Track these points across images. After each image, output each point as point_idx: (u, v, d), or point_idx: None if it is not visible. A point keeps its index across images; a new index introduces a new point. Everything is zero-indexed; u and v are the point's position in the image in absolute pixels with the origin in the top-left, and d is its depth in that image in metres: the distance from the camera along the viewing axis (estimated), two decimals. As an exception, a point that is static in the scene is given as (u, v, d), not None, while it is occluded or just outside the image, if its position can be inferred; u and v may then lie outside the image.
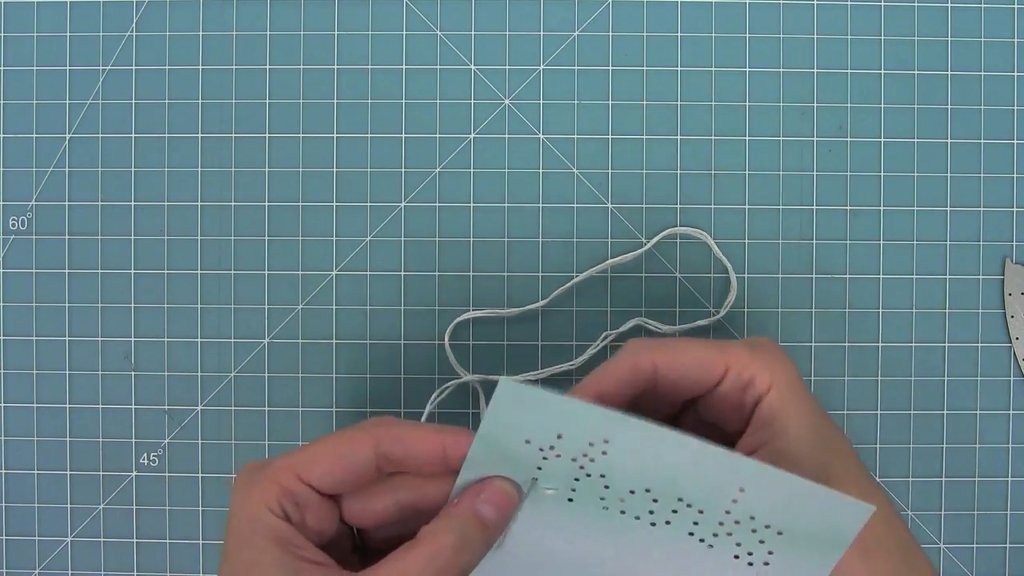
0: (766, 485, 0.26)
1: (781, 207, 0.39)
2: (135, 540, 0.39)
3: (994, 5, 0.39)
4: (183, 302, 0.39)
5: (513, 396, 0.26)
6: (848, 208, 0.39)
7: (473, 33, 0.39)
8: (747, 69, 0.39)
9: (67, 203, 0.39)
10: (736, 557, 0.27)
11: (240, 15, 0.39)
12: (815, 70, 0.39)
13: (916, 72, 0.39)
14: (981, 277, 0.39)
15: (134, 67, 0.39)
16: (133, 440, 0.39)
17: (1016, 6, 0.39)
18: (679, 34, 0.39)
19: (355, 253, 0.39)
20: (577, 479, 0.27)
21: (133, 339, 0.39)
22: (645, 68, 0.39)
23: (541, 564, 0.29)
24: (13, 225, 0.39)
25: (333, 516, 0.28)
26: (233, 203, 0.39)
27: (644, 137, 0.39)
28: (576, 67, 0.39)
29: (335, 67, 0.39)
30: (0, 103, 0.39)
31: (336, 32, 0.39)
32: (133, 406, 0.39)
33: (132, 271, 0.39)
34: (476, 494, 0.27)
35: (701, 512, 0.27)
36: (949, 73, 0.39)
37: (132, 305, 0.39)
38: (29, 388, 0.39)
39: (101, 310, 0.39)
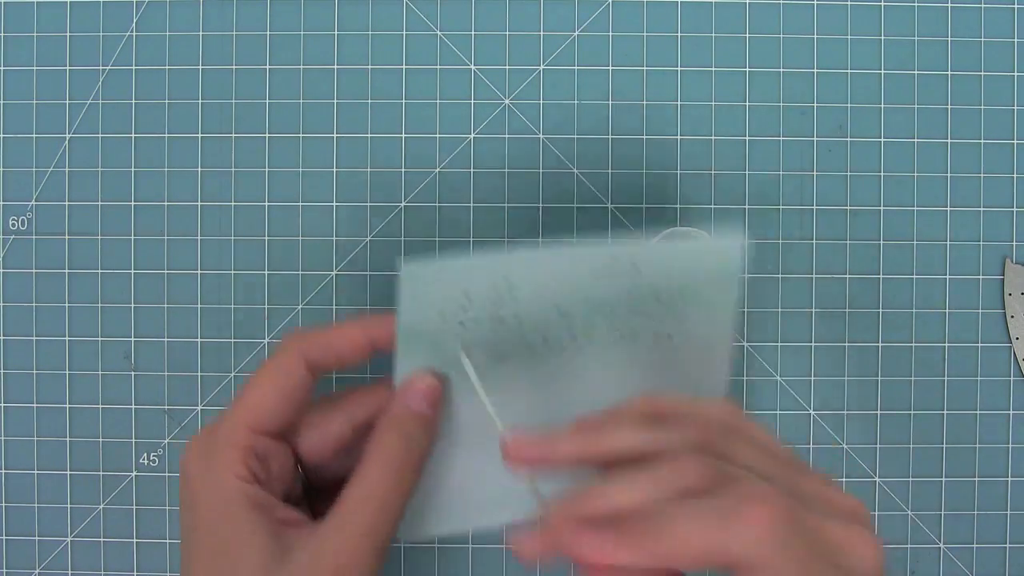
0: (654, 261, 0.28)
1: (781, 207, 0.39)
2: (135, 540, 0.39)
3: (994, 5, 0.39)
4: (183, 302, 0.39)
5: (417, 277, 0.27)
6: (848, 208, 0.39)
7: (473, 33, 0.39)
8: (747, 69, 0.39)
9: (67, 203, 0.39)
10: (655, 335, 0.29)
11: (240, 15, 0.39)
12: (815, 70, 0.39)
13: (916, 72, 0.39)
14: (981, 277, 0.39)
15: (134, 67, 0.39)
16: (133, 440, 0.39)
17: (1016, 6, 0.39)
18: (679, 34, 0.39)
19: (355, 253, 0.39)
20: (497, 332, 0.28)
21: (133, 339, 0.39)
22: (645, 68, 0.39)
23: (494, 429, 0.29)
24: (13, 225, 0.39)
25: (291, 461, 0.29)
26: (233, 203, 0.39)
27: (644, 137, 0.39)
28: (576, 67, 0.39)
29: (335, 67, 0.39)
30: (0, 103, 0.39)
31: (336, 32, 0.39)
32: (133, 406, 0.39)
33: (132, 271, 0.39)
34: (405, 394, 0.28)
35: (613, 311, 0.28)
36: (949, 73, 0.39)
37: (132, 305, 0.39)
38: (29, 388, 0.39)
39: (101, 310, 0.39)
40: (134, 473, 0.39)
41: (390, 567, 0.39)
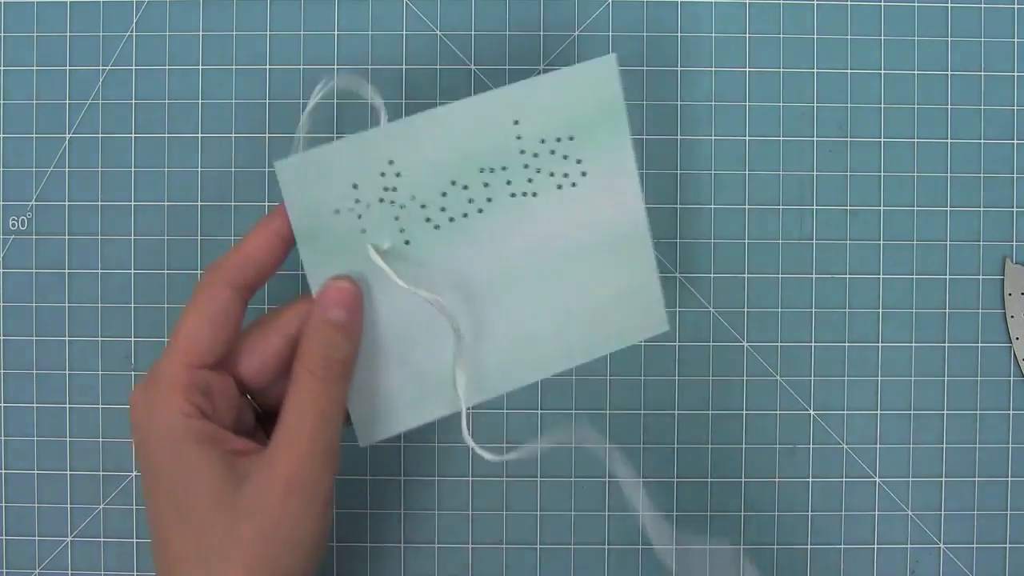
0: (528, 100, 0.27)
1: (781, 207, 0.39)
2: (135, 540, 0.39)
3: (994, 5, 0.39)
4: (183, 302, 0.39)
5: (294, 173, 0.27)
6: (848, 208, 0.39)
7: (473, 33, 0.39)
8: (747, 69, 0.39)
9: (67, 203, 0.39)
10: (559, 187, 0.29)
11: (240, 15, 0.39)
12: (815, 70, 0.39)
13: (916, 72, 0.39)
14: (981, 277, 0.39)
15: (134, 67, 0.39)
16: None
17: (1016, 6, 0.39)
18: (679, 34, 0.39)
19: (355, 253, 0.39)
20: (397, 217, 0.28)
21: (133, 339, 0.39)
22: (645, 68, 0.39)
23: (423, 315, 0.29)
24: (13, 225, 0.39)
25: (235, 391, 0.29)
26: (233, 203, 0.39)
27: (644, 137, 0.39)
28: (576, 67, 0.39)
29: (335, 67, 0.39)
30: (0, 103, 0.39)
31: (336, 32, 0.39)
32: (133, 406, 0.39)
33: (132, 271, 0.39)
34: (320, 303, 0.29)
35: (505, 168, 0.28)
36: (949, 73, 0.39)
37: (132, 305, 0.39)
38: (29, 388, 0.39)
39: (101, 310, 0.39)
40: (134, 473, 0.39)
41: (388, 566, 0.39)
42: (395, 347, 0.30)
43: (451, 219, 0.29)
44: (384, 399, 0.30)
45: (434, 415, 0.31)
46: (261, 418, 0.31)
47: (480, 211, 0.29)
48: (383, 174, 0.28)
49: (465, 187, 0.28)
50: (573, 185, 0.29)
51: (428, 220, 0.29)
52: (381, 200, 0.28)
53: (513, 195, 0.29)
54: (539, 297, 0.30)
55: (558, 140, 0.28)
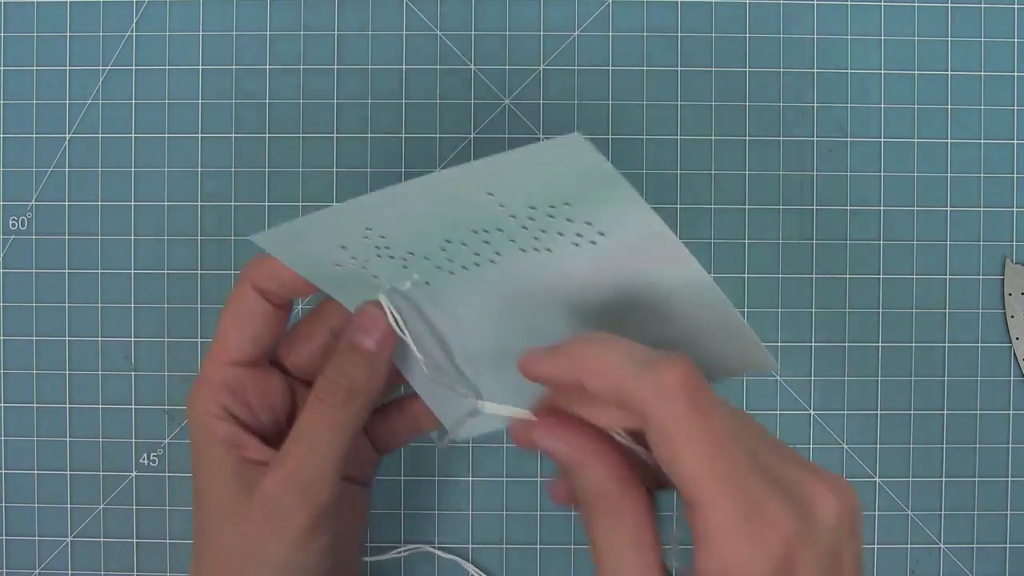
0: (496, 176, 0.24)
1: (781, 207, 0.39)
2: (135, 540, 0.39)
3: (994, 5, 0.39)
4: (183, 302, 0.39)
5: (275, 245, 0.26)
6: (848, 208, 0.39)
7: (473, 33, 0.39)
8: (747, 69, 0.39)
9: (67, 203, 0.39)
10: (576, 245, 0.25)
11: (240, 15, 0.39)
12: (815, 70, 0.39)
13: (916, 72, 0.39)
14: (981, 277, 0.39)
15: (134, 67, 0.39)
16: (133, 440, 0.39)
17: (1016, 6, 0.39)
18: (679, 34, 0.39)
19: (355, 253, 0.39)
20: (405, 266, 0.27)
21: (133, 339, 0.39)
22: (645, 68, 0.39)
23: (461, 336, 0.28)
24: (13, 225, 0.39)
25: (279, 386, 0.29)
26: (233, 203, 0.39)
27: (644, 137, 0.39)
28: (576, 67, 0.39)
29: (335, 67, 0.39)
30: (0, 103, 0.39)
31: (336, 32, 0.39)
32: (133, 406, 0.39)
33: (132, 271, 0.39)
34: (349, 328, 0.28)
35: (501, 230, 0.25)
36: (949, 73, 0.39)
37: (132, 305, 0.39)
38: (29, 388, 0.39)
39: (101, 310, 0.39)
40: (134, 473, 0.39)
41: (388, 566, 0.39)
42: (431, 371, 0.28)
43: (463, 267, 0.26)
44: (448, 407, 0.29)
45: (486, 428, 0.29)
46: None
47: (492, 261, 0.26)
48: (366, 237, 0.26)
49: (464, 244, 0.26)
50: (592, 243, 0.25)
51: (439, 268, 0.27)
52: (379, 256, 0.26)
53: (523, 250, 0.25)
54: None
55: (552, 207, 0.24)
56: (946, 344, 0.39)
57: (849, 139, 0.39)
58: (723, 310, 0.25)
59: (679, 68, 0.39)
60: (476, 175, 0.23)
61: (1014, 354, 0.39)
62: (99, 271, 0.39)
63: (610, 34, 0.39)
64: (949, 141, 0.39)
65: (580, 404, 0.24)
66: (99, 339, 0.39)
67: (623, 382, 0.22)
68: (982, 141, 0.39)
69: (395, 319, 0.27)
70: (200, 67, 0.39)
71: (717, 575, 0.21)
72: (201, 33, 0.39)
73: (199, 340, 0.39)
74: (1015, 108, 0.39)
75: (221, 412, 0.27)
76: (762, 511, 0.21)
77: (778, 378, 0.39)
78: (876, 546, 0.39)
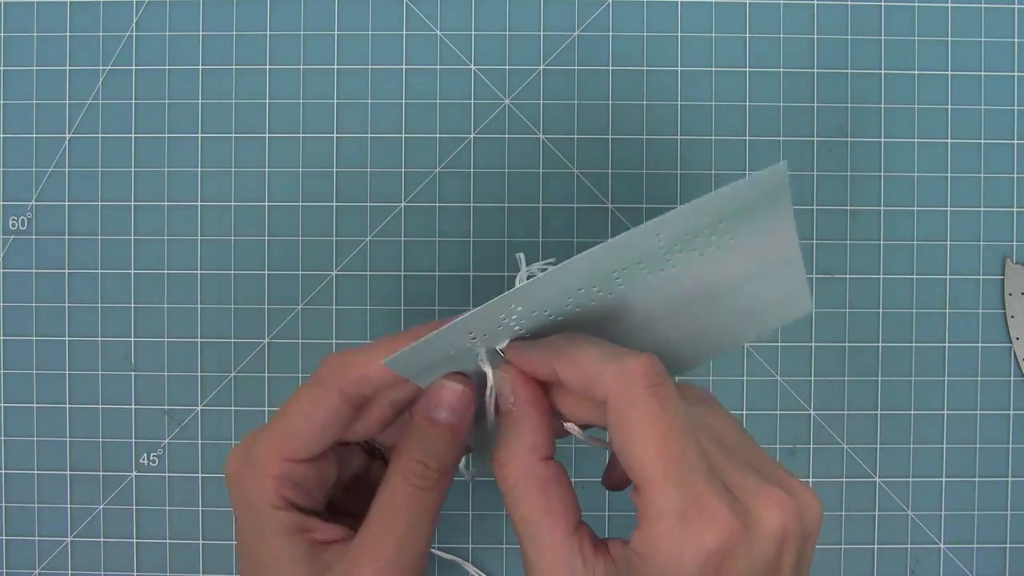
0: (677, 223, 0.24)
1: (781, 207, 0.39)
2: (135, 540, 0.39)
3: (994, 5, 0.39)
4: (183, 302, 0.39)
5: (403, 365, 0.25)
6: (848, 208, 0.39)
7: (473, 33, 0.39)
8: (747, 69, 0.39)
9: (67, 203, 0.39)
10: (701, 255, 0.26)
11: (240, 15, 0.39)
12: (815, 70, 0.39)
13: (916, 72, 0.39)
14: (981, 277, 0.39)
15: (134, 67, 0.39)
16: (133, 440, 0.39)
17: (1016, 6, 0.39)
18: (679, 34, 0.39)
19: (355, 253, 0.39)
20: (518, 327, 0.26)
21: (133, 339, 0.39)
22: (645, 68, 0.39)
23: None
24: (13, 225, 0.39)
25: (333, 467, 0.28)
26: (233, 203, 0.39)
27: (644, 137, 0.39)
28: (576, 67, 0.39)
29: (335, 67, 0.39)
30: (0, 103, 0.39)
31: (336, 32, 0.39)
32: (133, 406, 0.39)
33: (132, 271, 0.39)
34: (428, 403, 0.27)
35: (640, 263, 0.25)
36: (949, 73, 0.39)
37: (132, 305, 0.39)
38: (29, 388, 0.39)
39: (101, 310, 0.39)
40: (134, 473, 0.39)
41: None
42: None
43: (588, 304, 0.26)
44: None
45: None
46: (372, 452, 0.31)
47: (610, 293, 0.26)
48: (503, 315, 0.25)
49: (595, 287, 0.26)
50: (717, 248, 0.26)
51: (550, 314, 0.26)
52: (500, 327, 0.26)
53: (649, 273, 0.26)
54: (676, 322, 0.28)
55: (707, 229, 0.25)
56: (946, 344, 0.39)
57: (849, 139, 0.39)
58: (793, 256, 0.27)
59: (679, 68, 0.39)
60: (664, 225, 0.24)
61: (1014, 354, 0.39)
62: (99, 271, 0.39)
63: (610, 34, 0.39)
64: (949, 141, 0.39)
65: (555, 395, 0.26)
66: (99, 339, 0.39)
67: (591, 369, 0.24)
68: (982, 141, 0.39)
69: (489, 379, 0.26)
70: (200, 67, 0.39)
71: (647, 557, 0.22)
72: (201, 33, 0.39)
73: (199, 340, 0.39)
74: (1015, 108, 0.39)
75: (282, 503, 0.26)
76: (701, 506, 0.22)
77: (778, 378, 0.39)
78: (876, 546, 0.39)
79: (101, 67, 0.39)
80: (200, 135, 0.39)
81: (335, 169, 0.39)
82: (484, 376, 0.26)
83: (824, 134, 0.39)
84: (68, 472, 0.39)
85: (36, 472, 0.39)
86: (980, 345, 0.39)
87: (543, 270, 0.25)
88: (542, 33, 0.39)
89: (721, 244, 0.26)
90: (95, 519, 0.39)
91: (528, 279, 0.25)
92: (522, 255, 0.28)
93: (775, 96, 0.39)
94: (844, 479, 0.39)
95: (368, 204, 0.39)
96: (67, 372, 0.39)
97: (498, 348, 0.27)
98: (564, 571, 0.24)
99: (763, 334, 0.29)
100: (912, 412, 0.39)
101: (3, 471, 0.39)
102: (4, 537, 0.39)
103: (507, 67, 0.39)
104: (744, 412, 0.39)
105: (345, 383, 0.27)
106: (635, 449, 0.22)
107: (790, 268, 0.27)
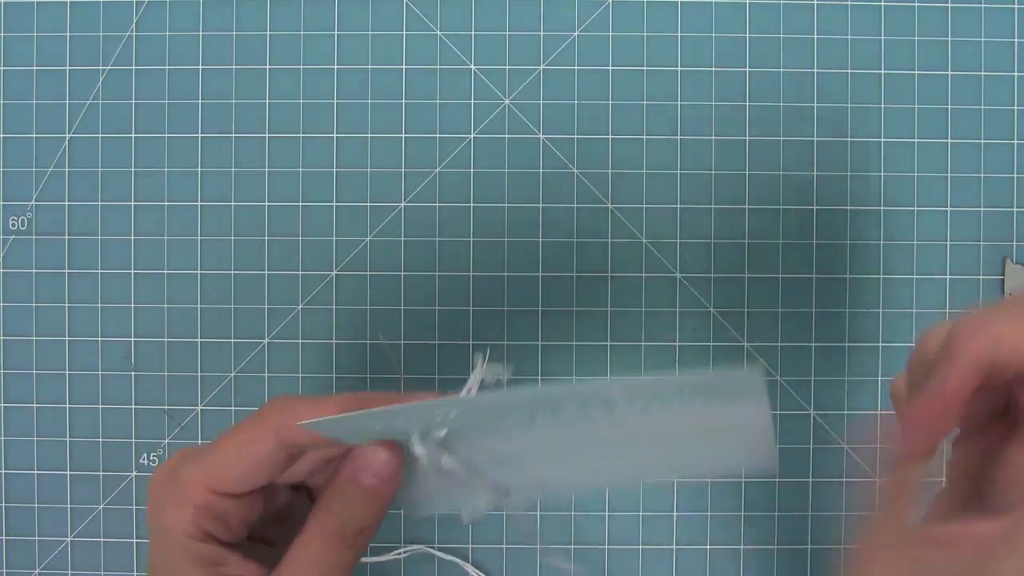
0: (654, 393, 0.24)
1: (781, 207, 0.39)
2: (135, 540, 0.39)
3: (994, 5, 0.39)
4: (183, 302, 0.39)
5: (326, 427, 0.25)
6: (848, 208, 0.39)
7: (473, 33, 0.39)
8: (747, 69, 0.39)
9: (67, 203, 0.39)
10: (661, 409, 0.25)
11: (240, 15, 0.39)
12: (815, 70, 0.39)
13: (916, 72, 0.39)
14: (981, 277, 0.39)
15: (134, 67, 0.39)
16: (133, 440, 0.39)
17: (1016, 6, 0.39)
18: (679, 34, 0.39)
19: (355, 253, 0.39)
20: (447, 430, 0.26)
21: (133, 339, 0.39)
22: (645, 68, 0.39)
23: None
24: (13, 225, 0.39)
25: (260, 497, 0.28)
26: (233, 203, 0.39)
27: (644, 137, 0.39)
28: (576, 67, 0.39)
29: (335, 67, 0.39)
30: (0, 103, 0.39)
31: (336, 32, 0.39)
32: (133, 406, 0.39)
33: (132, 271, 0.39)
34: (354, 465, 0.26)
35: (590, 407, 0.25)
36: (949, 73, 0.39)
37: (132, 305, 0.39)
38: (29, 388, 0.39)
39: (101, 310, 0.39)
40: (134, 473, 0.39)
41: (388, 566, 0.39)
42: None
43: (513, 429, 0.26)
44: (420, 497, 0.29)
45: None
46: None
47: (546, 425, 0.26)
48: (428, 422, 0.26)
49: (532, 419, 0.26)
50: (676, 406, 0.25)
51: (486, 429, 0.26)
52: (439, 421, 0.26)
53: (591, 419, 0.26)
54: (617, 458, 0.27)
55: (660, 401, 0.25)
56: (946, 344, 0.39)
57: (849, 139, 0.39)
58: (764, 429, 0.26)
59: (679, 68, 0.39)
60: (622, 385, 0.24)
61: (1014, 354, 0.39)
62: (99, 271, 0.39)
63: (610, 34, 0.39)
64: (949, 141, 0.39)
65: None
66: (99, 339, 0.39)
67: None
68: (982, 141, 0.39)
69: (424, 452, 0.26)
70: (200, 67, 0.39)
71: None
72: (201, 33, 0.39)
73: (199, 340, 0.39)
74: (1015, 108, 0.39)
75: (199, 533, 0.26)
76: None
77: (778, 378, 0.39)
78: (876, 546, 0.39)
79: (101, 67, 0.39)
80: (200, 135, 0.39)
81: (335, 169, 0.39)
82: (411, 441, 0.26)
83: (824, 134, 0.39)
84: (68, 472, 0.39)
85: (36, 472, 0.39)
86: (980, 345, 0.39)
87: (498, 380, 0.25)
88: (542, 33, 0.39)
89: (682, 404, 0.25)
90: (95, 519, 0.39)
91: (480, 383, 0.25)
92: (483, 355, 0.27)
93: (775, 96, 0.39)
94: (844, 479, 0.39)
95: (368, 204, 0.39)
96: (67, 372, 0.39)
97: (435, 435, 0.26)
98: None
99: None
100: (912, 412, 0.39)
101: (3, 471, 0.39)
102: (4, 537, 0.39)
103: (507, 67, 0.39)
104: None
105: (285, 430, 0.26)
106: None
107: (758, 435, 0.26)
